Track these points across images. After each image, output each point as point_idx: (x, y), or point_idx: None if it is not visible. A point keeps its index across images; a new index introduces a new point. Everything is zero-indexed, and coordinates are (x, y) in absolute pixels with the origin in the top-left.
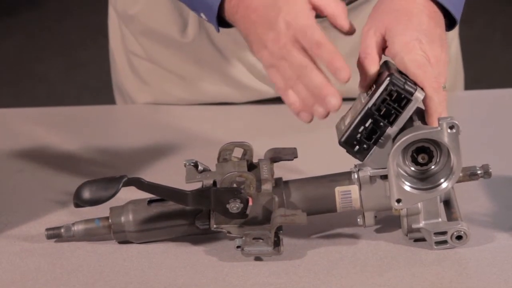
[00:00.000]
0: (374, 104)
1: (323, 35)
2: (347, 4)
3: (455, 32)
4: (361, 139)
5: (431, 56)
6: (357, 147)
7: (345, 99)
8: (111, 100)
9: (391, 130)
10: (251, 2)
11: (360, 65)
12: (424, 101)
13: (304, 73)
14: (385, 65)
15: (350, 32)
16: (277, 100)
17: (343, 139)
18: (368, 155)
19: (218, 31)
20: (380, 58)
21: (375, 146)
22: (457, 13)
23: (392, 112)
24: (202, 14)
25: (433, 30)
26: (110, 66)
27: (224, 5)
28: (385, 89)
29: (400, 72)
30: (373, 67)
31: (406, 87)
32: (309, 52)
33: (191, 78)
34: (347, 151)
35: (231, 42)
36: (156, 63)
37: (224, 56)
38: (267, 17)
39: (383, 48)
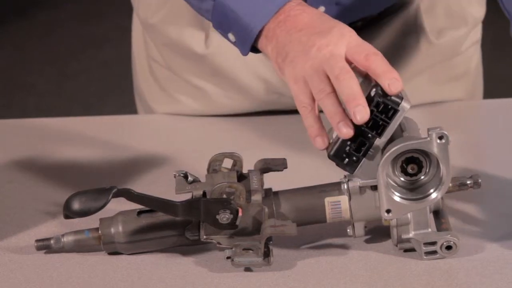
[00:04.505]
0: None
1: (343, 68)
2: (357, 22)
3: (477, 45)
4: (350, 151)
5: None
6: (347, 159)
7: None
8: (101, 111)
9: (379, 141)
10: (300, 20)
11: None
12: None
13: (321, 97)
14: (368, 78)
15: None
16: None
17: (332, 153)
18: (358, 167)
19: (246, 54)
20: None
21: (364, 158)
22: None
23: (380, 123)
24: (230, 35)
25: None
26: (132, 73)
27: (265, 25)
28: (372, 100)
29: None
30: None
31: (393, 97)
32: (332, 82)
33: (207, 90)
34: (336, 164)
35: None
36: (174, 72)
37: (241, 70)
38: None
39: None
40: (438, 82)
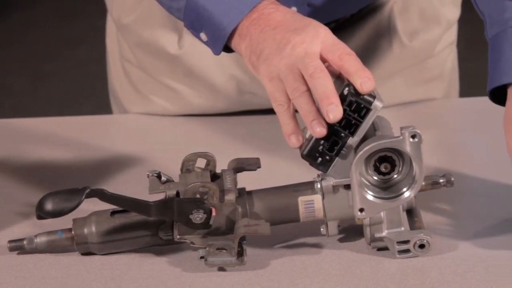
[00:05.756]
0: None
1: (317, 67)
2: (330, 24)
3: (452, 46)
4: (323, 151)
5: None
6: (320, 159)
7: None
8: (76, 111)
9: (352, 141)
10: (273, 18)
11: None
12: None
13: (295, 96)
14: (341, 77)
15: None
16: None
17: (305, 152)
18: (331, 166)
19: (218, 54)
20: None
21: (337, 157)
22: None
23: (353, 122)
24: (202, 34)
25: None
26: (107, 73)
27: (239, 24)
28: (345, 99)
29: None
30: None
31: (365, 96)
32: (306, 80)
33: (180, 91)
34: (310, 164)
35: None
36: (148, 73)
37: (214, 70)
38: (281, 37)
39: None
40: (413, 83)
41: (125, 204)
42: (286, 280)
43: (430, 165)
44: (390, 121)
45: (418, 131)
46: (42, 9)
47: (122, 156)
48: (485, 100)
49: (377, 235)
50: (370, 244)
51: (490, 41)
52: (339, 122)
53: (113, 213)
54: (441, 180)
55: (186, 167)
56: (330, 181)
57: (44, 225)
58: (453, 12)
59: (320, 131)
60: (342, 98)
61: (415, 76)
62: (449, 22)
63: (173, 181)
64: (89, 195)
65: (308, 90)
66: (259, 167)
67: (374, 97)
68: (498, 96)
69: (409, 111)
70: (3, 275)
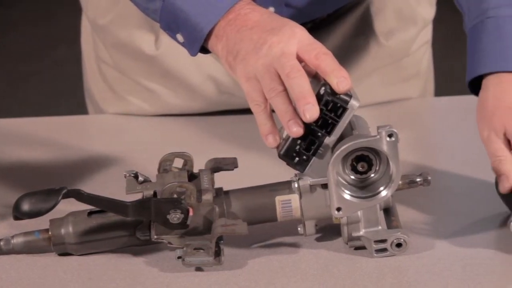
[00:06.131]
0: None
1: (294, 67)
2: (307, 24)
3: (428, 45)
4: (300, 150)
5: None
6: (297, 158)
7: None
8: (53, 112)
9: (329, 140)
10: (250, 18)
11: (498, 169)
12: None
13: (272, 96)
14: (318, 77)
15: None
16: (241, 111)
17: (282, 152)
18: (308, 166)
19: (195, 55)
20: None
21: (314, 157)
22: None
23: (329, 121)
24: (179, 35)
25: None
26: (82, 73)
27: (216, 25)
28: (321, 99)
29: None
30: (511, 167)
31: (341, 96)
32: (283, 80)
33: (157, 91)
34: (287, 164)
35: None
36: (124, 73)
37: (191, 71)
38: (258, 37)
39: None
40: (389, 82)
41: (102, 204)
42: (263, 279)
43: (407, 164)
44: (367, 120)
45: (395, 130)
46: (19, 9)
47: (99, 157)
48: (461, 99)
49: (354, 234)
50: (347, 243)
51: (469, 32)
52: (316, 121)
53: (90, 213)
54: (418, 179)
55: (163, 167)
56: (307, 181)
57: (21, 225)
58: (428, 11)
59: (296, 130)
60: (319, 97)
61: (392, 75)
62: (425, 21)
63: (150, 181)
64: (66, 196)
65: (285, 90)
66: (236, 166)
67: (350, 97)
68: (477, 87)
69: (386, 110)
70: None
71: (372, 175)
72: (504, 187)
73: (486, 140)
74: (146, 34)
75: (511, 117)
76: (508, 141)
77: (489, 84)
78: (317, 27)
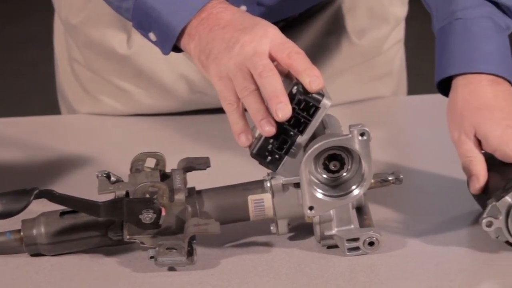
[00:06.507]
0: None
1: (266, 66)
2: (279, 23)
3: (400, 43)
4: (272, 149)
5: None
6: (269, 158)
7: None
8: (26, 112)
9: (301, 139)
10: (222, 17)
11: (468, 169)
12: None
13: (244, 95)
14: (290, 76)
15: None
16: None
17: (254, 151)
18: (281, 165)
19: (167, 54)
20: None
21: (286, 156)
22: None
23: (302, 120)
24: (151, 34)
25: None
26: (55, 74)
27: (188, 24)
28: (293, 98)
29: None
30: (482, 167)
31: (314, 95)
32: (255, 79)
33: (130, 90)
34: (259, 163)
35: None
36: (97, 73)
37: (163, 70)
38: (230, 36)
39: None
40: (361, 81)
41: (74, 204)
42: (236, 279)
43: (379, 163)
44: (339, 119)
45: (367, 129)
46: None
47: (71, 157)
48: (433, 97)
49: (327, 233)
50: (320, 242)
51: (437, 33)
52: (288, 120)
53: (63, 213)
54: (390, 178)
55: (136, 167)
56: (279, 180)
57: None
58: (401, 9)
59: (269, 130)
60: (291, 96)
61: (364, 74)
62: (397, 20)
63: (122, 181)
64: (37, 196)
65: (257, 89)
66: (209, 166)
67: (322, 96)
68: (446, 88)
69: (358, 109)
70: None
71: (344, 174)
72: (474, 188)
73: (457, 141)
74: (119, 33)
75: (480, 118)
76: (479, 141)
77: (457, 85)
78: (289, 26)
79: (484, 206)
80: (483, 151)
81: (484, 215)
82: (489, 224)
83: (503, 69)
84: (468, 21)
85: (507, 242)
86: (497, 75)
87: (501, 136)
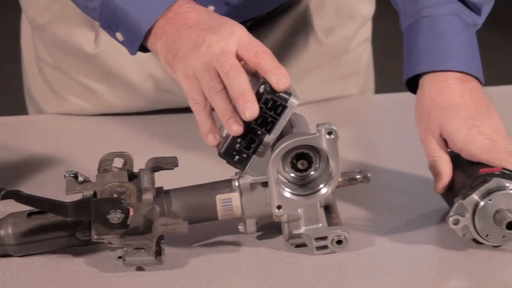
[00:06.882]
0: None
1: (233, 65)
2: (247, 22)
3: (367, 42)
4: (240, 149)
5: (491, 132)
6: (237, 157)
7: None
8: None
9: (269, 138)
10: (189, 17)
11: (434, 169)
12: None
13: (211, 95)
14: (257, 75)
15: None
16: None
17: (222, 151)
18: (248, 164)
19: (134, 53)
20: (448, 154)
21: (254, 155)
22: (481, 76)
23: (269, 120)
24: (118, 34)
25: (479, 106)
26: (22, 73)
27: (155, 24)
28: (261, 97)
29: None
30: (447, 167)
31: (281, 94)
32: (222, 78)
33: (97, 90)
34: (227, 162)
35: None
36: (64, 72)
37: (131, 69)
38: (197, 36)
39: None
40: (329, 80)
41: (41, 205)
42: (204, 278)
43: (347, 161)
44: (307, 118)
45: (334, 128)
46: None
47: (39, 157)
48: (401, 96)
49: (295, 232)
50: (288, 241)
51: (405, 32)
52: (256, 120)
53: (30, 214)
54: (357, 176)
55: (103, 167)
56: (247, 179)
57: None
58: (368, 8)
59: (236, 129)
60: (258, 96)
61: (331, 72)
62: (364, 18)
63: (90, 181)
64: (4, 197)
65: (224, 88)
66: (177, 166)
67: (290, 95)
68: (414, 86)
69: (326, 107)
70: None
71: (312, 172)
72: (438, 187)
73: (424, 140)
74: (86, 32)
75: (445, 117)
76: (445, 140)
77: (424, 83)
78: (257, 25)
79: (451, 204)
80: (449, 150)
81: (451, 213)
82: (456, 222)
83: (471, 66)
84: (435, 19)
85: (474, 240)
86: (464, 73)
87: (466, 136)
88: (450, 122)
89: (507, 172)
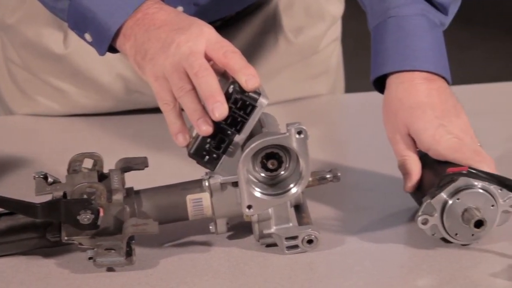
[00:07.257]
0: None
1: (202, 65)
2: (216, 22)
3: (337, 42)
4: (210, 149)
5: (458, 131)
6: (207, 157)
7: None
8: None
9: (239, 138)
10: (158, 17)
11: (403, 168)
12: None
13: (180, 95)
14: (227, 75)
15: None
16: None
17: (192, 151)
18: (218, 164)
19: (103, 54)
20: (416, 154)
21: (224, 155)
22: (448, 76)
23: (239, 119)
24: (87, 35)
25: (446, 105)
26: None
27: (124, 24)
28: (230, 97)
29: None
30: (415, 166)
31: (250, 94)
32: (191, 79)
33: (67, 90)
34: (197, 162)
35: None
36: (33, 73)
37: (100, 69)
38: (166, 36)
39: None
40: (298, 80)
41: (11, 206)
42: (175, 279)
43: (317, 161)
44: (277, 118)
45: (304, 127)
46: None
47: (8, 158)
48: (370, 95)
49: (265, 231)
50: (259, 241)
51: (372, 32)
52: (225, 120)
53: None
54: (327, 176)
55: (73, 168)
56: (218, 179)
57: None
58: (337, 8)
59: (206, 129)
60: (228, 96)
61: (301, 72)
62: (334, 18)
63: (60, 182)
64: None
65: (194, 88)
66: (147, 166)
67: (259, 94)
68: (382, 86)
69: (295, 107)
70: None
71: (282, 172)
72: (407, 186)
73: (392, 140)
74: (55, 32)
75: (412, 117)
76: (413, 140)
77: (391, 83)
78: (226, 25)
79: (420, 203)
80: (418, 149)
81: (419, 213)
82: (425, 222)
83: (438, 66)
84: (401, 19)
85: (443, 239)
86: (431, 72)
87: (433, 135)
88: (417, 121)
89: (474, 171)
